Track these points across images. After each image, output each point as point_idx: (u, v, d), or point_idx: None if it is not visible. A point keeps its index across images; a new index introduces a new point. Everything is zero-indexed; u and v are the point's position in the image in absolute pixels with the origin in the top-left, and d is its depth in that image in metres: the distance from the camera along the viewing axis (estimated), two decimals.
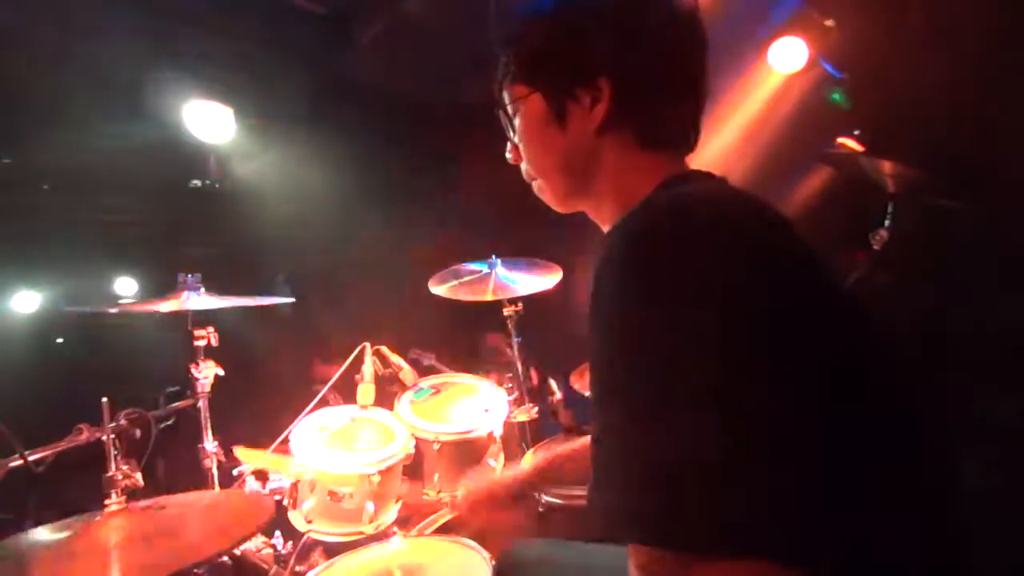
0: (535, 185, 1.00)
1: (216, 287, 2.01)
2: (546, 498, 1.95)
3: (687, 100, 0.89)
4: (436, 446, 2.09)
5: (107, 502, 1.38)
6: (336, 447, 1.98)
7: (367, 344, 2.21)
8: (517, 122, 0.96)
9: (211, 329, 1.96)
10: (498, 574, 1.36)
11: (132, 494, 1.47)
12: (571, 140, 0.89)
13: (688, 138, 0.92)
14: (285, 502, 1.93)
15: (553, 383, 2.46)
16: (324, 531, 1.91)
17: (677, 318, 0.62)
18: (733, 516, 0.58)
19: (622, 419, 0.65)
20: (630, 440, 0.64)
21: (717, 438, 0.59)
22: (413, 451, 2.05)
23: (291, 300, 2.18)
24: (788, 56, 2.80)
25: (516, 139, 0.98)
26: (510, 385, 2.39)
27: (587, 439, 0.97)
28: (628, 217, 0.72)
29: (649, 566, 0.61)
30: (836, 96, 2.79)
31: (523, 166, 0.99)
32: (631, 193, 0.86)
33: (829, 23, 2.75)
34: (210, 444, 1.97)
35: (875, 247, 2.07)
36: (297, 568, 1.95)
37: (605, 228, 0.96)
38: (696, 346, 0.61)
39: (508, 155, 1.01)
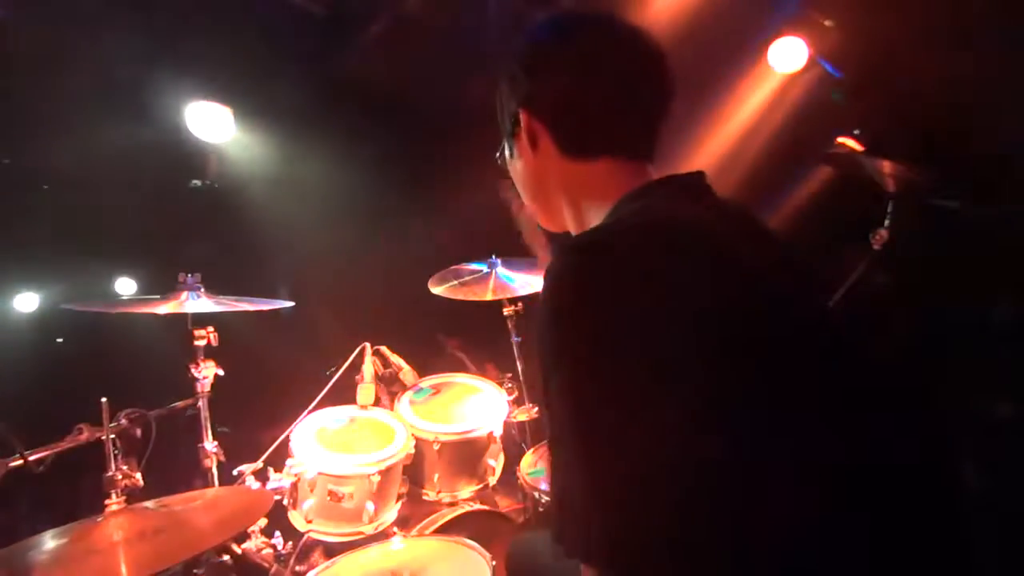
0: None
1: (216, 287, 2.01)
2: (546, 498, 1.95)
3: (607, 110, 0.93)
4: (436, 446, 2.09)
5: (107, 502, 1.38)
6: (336, 447, 1.98)
7: (367, 344, 2.21)
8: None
9: (211, 329, 1.96)
10: (505, 564, 1.41)
11: (132, 494, 1.48)
12: (525, 168, 1.00)
13: (629, 144, 0.94)
14: (285, 502, 1.94)
15: None
16: (324, 531, 1.91)
17: (584, 363, 0.70)
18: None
19: (557, 449, 0.74)
20: (561, 470, 0.73)
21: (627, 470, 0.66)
22: (413, 451, 2.05)
23: (290, 304, 2.18)
24: (788, 56, 2.80)
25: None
26: (510, 385, 2.39)
27: None
28: (553, 259, 0.80)
29: None
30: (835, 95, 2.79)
31: None
32: (584, 209, 0.95)
33: (829, 23, 2.75)
34: (210, 444, 1.97)
35: (875, 247, 2.06)
36: (297, 568, 1.95)
37: None
38: (600, 387, 0.69)
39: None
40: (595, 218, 0.92)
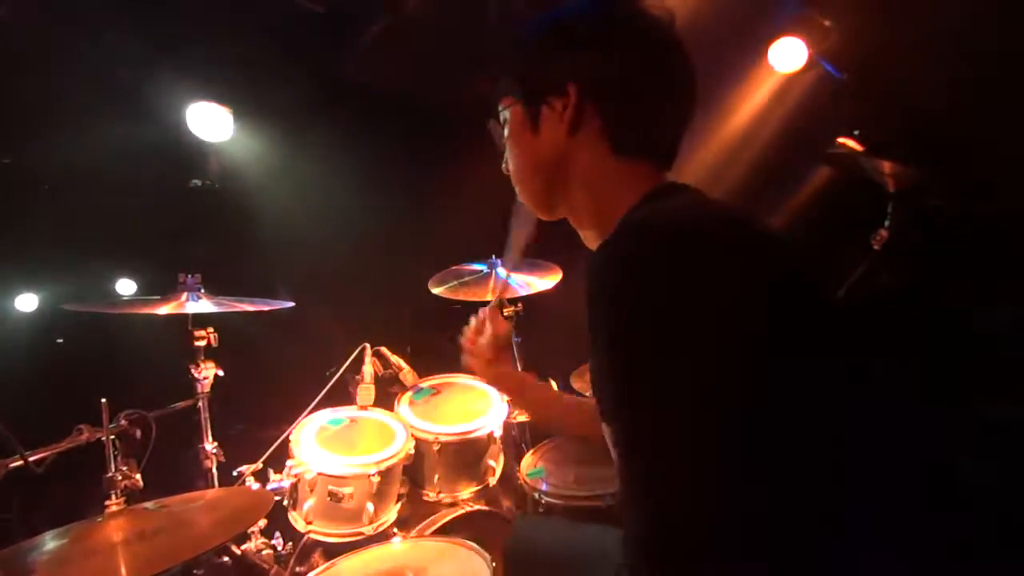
0: (517, 191, 1.04)
1: (216, 287, 2.00)
2: (546, 498, 1.95)
3: (661, 112, 0.91)
4: (436, 447, 2.09)
5: (107, 502, 1.38)
6: (336, 447, 1.98)
7: (367, 344, 2.21)
8: (505, 132, 1.01)
9: (211, 329, 1.96)
10: (506, 547, 1.43)
11: (132, 495, 1.48)
12: (544, 145, 0.93)
13: (666, 149, 0.94)
14: (285, 503, 1.93)
15: (553, 383, 2.46)
16: (324, 531, 1.91)
17: (663, 340, 0.69)
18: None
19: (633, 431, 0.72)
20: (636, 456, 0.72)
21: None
22: (413, 451, 2.05)
23: (290, 304, 2.18)
24: (788, 56, 2.79)
25: (503, 148, 1.03)
26: None
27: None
28: (613, 240, 0.77)
29: None
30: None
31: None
32: (608, 203, 0.90)
33: (829, 23, 2.74)
34: (210, 445, 1.97)
35: (875, 247, 2.06)
36: (297, 569, 1.95)
37: (583, 233, 0.99)
38: (684, 365, 0.67)
39: (503, 167, 1.05)
40: (616, 214, 0.88)
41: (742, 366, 0.67)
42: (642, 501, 0.70)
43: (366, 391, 2.17)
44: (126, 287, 3.12)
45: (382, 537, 1.89)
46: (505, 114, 0.99)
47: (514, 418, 2.32)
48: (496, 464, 2.21)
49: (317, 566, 1.74)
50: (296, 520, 1.93)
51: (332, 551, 1.90)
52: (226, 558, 1.85)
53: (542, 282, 2.38)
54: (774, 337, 0.70)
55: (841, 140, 2.68)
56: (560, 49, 0.91)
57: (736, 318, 0.68)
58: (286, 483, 1.90)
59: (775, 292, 0.73)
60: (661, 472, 0.68)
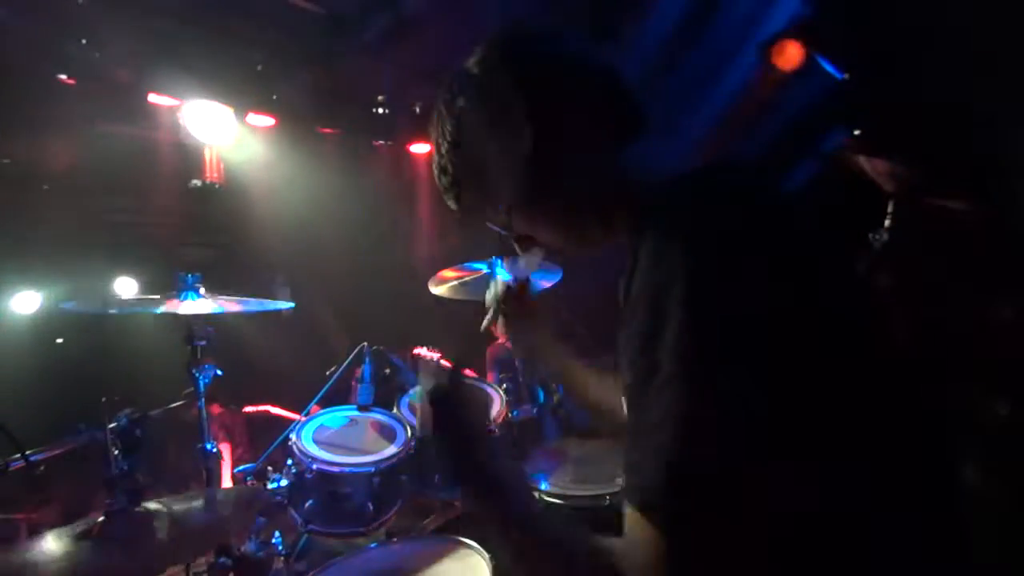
0: (564, 248, 0.97)
1: (216, 287, 2.00)
2: (546, 498, 1.95)
3: (599, 97, 0.88)
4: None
5: (107, 502, 1.38)
6: (336, 447, 1.98)
7: (366, 344, 2.21)
8: (510, 215, 0.95)
9: (211, 329, 1.96)
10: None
11: (132, 495, 1.47)
12: (569, 194, 0.89)
13: (632, 122, 0.90)
14: (285, 502, 1.94)
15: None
16: (324, 531, 1.91)
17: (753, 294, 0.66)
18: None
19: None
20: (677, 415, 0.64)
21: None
22: (413, 451, 2.05)
23: (291, 305, 2.18)
24: (787, 56, 2.80)
25: (517, 228, 0.97)
26: (508, 386, 2.39)
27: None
28: (691, 211, 0.73)
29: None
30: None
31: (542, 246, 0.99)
32: (630, 189, 0.86)
33: (827, 23, 2.74)
34: (210, 444, 1.97)
35: (875, 247, 2.06)
36: (297, 568, 1.95)
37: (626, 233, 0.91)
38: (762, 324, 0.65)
39: (518, 249, 1.01)
40: (627, 210, 0.85)
41: (798, 367, 0.65)
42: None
43: (366, 391, 2.17)
44: (126, 287, 3.13)
45: (382, 537, 1.89)
46: (500, 203, 0.93)
47: (513, 418, 2.32)
48: None
49: (317, 565, 1.74)
50: (296, 519, 1.93)
51: (332, 550, 1.90)
52: (226, 557, 1.85)
53: (542, 282, 2.37)
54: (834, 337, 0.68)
55: (841, 140, 2.68)
56: (516, 79, 0.85)
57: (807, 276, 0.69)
58: (286, 483, 1.90)
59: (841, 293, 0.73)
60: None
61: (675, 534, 0.62)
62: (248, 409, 2.86)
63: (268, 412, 2.84)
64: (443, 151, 0.94)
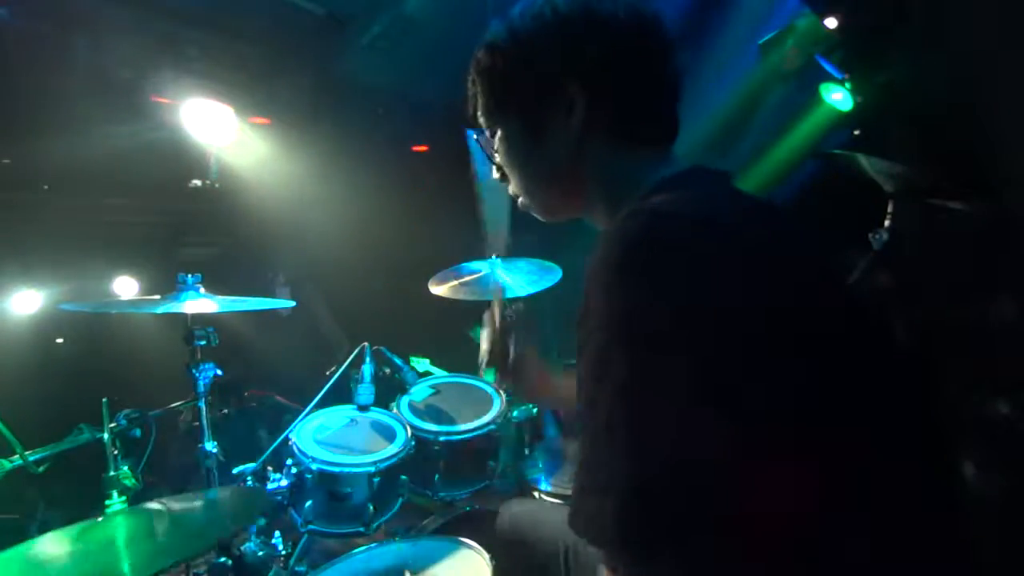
0: (520, 202, 1.01)
1: (216, 288, 2.00)
2: (546, 497, 1.95)
3: (658, 96, 0.90)
4: (436, 446, 2.09)
5: (107, 502, 1.38)
6: (336, 447, 1.98)
7: (366, 344, 2.21)
8: (497, 145, 0.97)
9: (210, 329, 1.96)
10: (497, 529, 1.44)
11: (131, 495, 1.48)
12: (554, 154, 0.91)
13: (668, 133, 0.92)
14: (285, 502, 1.93)
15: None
16: (324, 531, 1.91)
17: (667, 322, 0.64)
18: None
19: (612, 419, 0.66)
20: (616, 440, 0.64)
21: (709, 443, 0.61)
22: (413, 451, 2.05)
23: (291, 304, 2.18)
24: (784, 57, 2.80)
25: (500, 161, 0.99)
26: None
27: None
28: (621, 223, 0.72)
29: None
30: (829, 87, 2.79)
31: (511, 186, 1.01)
32: (628, 194, 0.86)
33: (829, 23, 2.74)
34: (210, 444, 1.97)
35: (875, 247, 2.06)
36: (297, 568, 1.95)
37: (601, 227, 0.96)
38: (683, 355, 0.63)
39: (495, 175, 1.02)
40: (627, 205, 0.85)
41: (742, 367, 0.62)
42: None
43: (366, 391, 2.17)
44: (126, 287, 3.13)
45: (382, 537, 1.89)
46: (497, 128, 0.96)
47: (513, 418, 2.32)
48: (496, 464, 2.21)
49: (317, 565, 1.74)
50: (296, 519, 1.93)
51: (332, 550, 1.90)
52: (226, 558, 1.85)
53: (542, 282, 2.37)
54: (777, 336, 0.65)
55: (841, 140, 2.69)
56: (550, 51, 0.87)
57: (741, 317, 0.64)
58: (286, 482, 1.90)
59: (793, 292, 0.69)
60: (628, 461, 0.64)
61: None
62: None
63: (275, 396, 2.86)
64: (480, 54, 0.95)
